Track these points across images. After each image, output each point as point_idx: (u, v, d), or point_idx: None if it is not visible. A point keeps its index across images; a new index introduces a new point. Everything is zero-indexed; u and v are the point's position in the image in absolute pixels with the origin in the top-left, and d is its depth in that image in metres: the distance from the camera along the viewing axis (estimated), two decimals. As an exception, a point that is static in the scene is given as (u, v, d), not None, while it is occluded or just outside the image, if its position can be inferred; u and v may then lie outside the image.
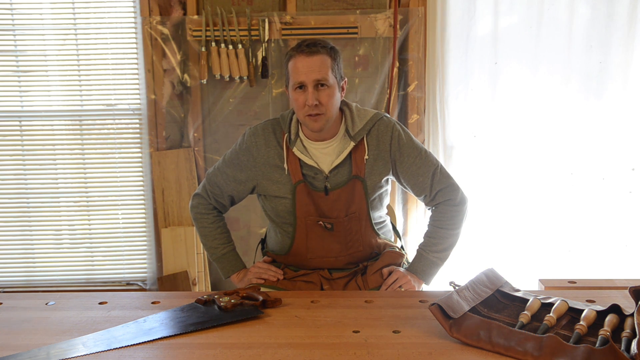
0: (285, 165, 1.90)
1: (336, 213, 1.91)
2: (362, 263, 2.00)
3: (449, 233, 1.98)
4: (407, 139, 1.93)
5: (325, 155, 1.91)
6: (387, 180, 1.98)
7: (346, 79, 1.90)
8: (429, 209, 2.04)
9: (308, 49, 1.77)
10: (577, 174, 3.18)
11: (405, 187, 2.00)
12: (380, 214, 2.03)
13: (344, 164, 1.90)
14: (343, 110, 1.93)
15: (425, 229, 2.04)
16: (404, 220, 3.26)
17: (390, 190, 2.10)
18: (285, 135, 1.91)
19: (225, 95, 3.21)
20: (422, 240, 2.02)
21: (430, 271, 1.98)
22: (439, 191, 1.96)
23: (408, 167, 1.92)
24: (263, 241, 2.18)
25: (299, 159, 1.90)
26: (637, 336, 1.29)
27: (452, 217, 1.97)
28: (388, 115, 1.97)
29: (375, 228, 1.99)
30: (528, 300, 1.54)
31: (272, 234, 2.07)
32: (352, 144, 1.88)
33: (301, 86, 1.80)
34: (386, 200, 2.05)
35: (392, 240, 2.13)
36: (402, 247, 2.16)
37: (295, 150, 1.89)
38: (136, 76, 3.25)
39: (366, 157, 1.89)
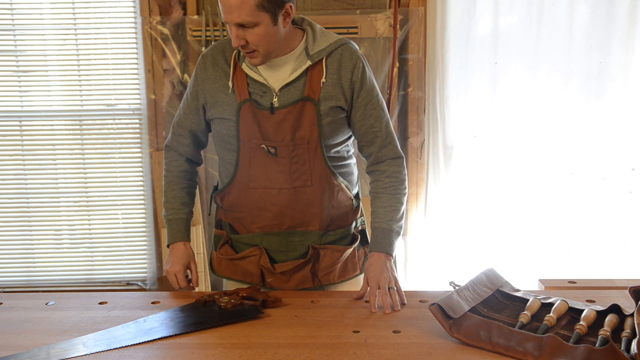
0: (229, 83, 1.75)
1: (281, 136, 1.73)
2: (312, 246, 1.82)
3: (402, 199, 1.84)
4: (369, 76, 1.79)
5: (277, 72, 1.74)
6: (344, 110, 1.78)
7: (291, 4, 1.64)
8: (371, 171, 1.88)
9: None
10: (577, 174, 3.17)
11: (353, 131, 1.84)
12: (338, 149, 1.83)
13: (297, 84, 1.73)
14: (305, 30, 1.77)
15: (374, 198, 1.85)
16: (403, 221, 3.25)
17: None
18: (235, 52, 1.76)
19: (225, 95, 3.21)
20: (376, 212, 1.83)
21: (395, 242, 1.81)
22: (389, 145, 1.83)
23: (364, 104, 1.77)
24: (216, 188, 1.97)
25: (247, 76, 1.74)
26: (637, 336, 1.29)
27: (403, 180, 1.85)
28: (355, 45, 1.80)
29: (330, 163, 1.78)
30: (528, 300, 1.54)
31: (221, 169, 1.91)
32: (309, 62, 1.72)
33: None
34: (346, 137, 1.84)
35: (355, 191, 1.93)
36: (358, 206, 1.97)
37: (243, 66, 1.74)
38: (136, 76, 3.25)
39: (323, 80, 1.73)
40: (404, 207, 1.84)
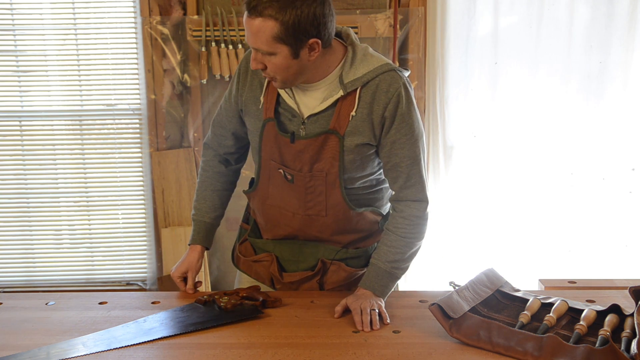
0: (261, 98, 1.67)
1: (299, 166, 1.65)
2: (322, 260, 1.75)
3: (413, 243, 1.70)
4: (405, 111, 1.59)
5: (309, 98, 1.63)
6: (372, 146, 1.65)
7: (318, 40, 1.52)
8: (392, 205, 1.74)
9: (253, 9, 1.47)
10: (577, 174, 3.18)
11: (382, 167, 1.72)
12: (365, 180, 1.71)
13: (326, 113, 1.61)
14: (347, 50, 1.63)
15: (383, 234, 1.71)
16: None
17: None
18: None
19: (225, 95, 3.21)
20: (379, 248, 1.69)
21: (390, 286, 1.67)
22: (412, 187, 1.68)
23: (391, 141, 1.62)
24: (252, 182, 1.87)
25: (278, 94, 1.65)
26: (637, 336, 1.29)
27: (419, 225, 1.70)
28: (401, 72, 1.62)
29: (347, 198, 1.66)
30: (528, 300, 1.54)
31: (255, 169, 1.83)
32: (341, 93, 1.58)
33: None
34: (375, 170, 1.71)
35: (386, 212, 1.81)
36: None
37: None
38: (136, 76, 3.25)
39: (353, 113, 1.58)
40: (412, 251, 1.70)
